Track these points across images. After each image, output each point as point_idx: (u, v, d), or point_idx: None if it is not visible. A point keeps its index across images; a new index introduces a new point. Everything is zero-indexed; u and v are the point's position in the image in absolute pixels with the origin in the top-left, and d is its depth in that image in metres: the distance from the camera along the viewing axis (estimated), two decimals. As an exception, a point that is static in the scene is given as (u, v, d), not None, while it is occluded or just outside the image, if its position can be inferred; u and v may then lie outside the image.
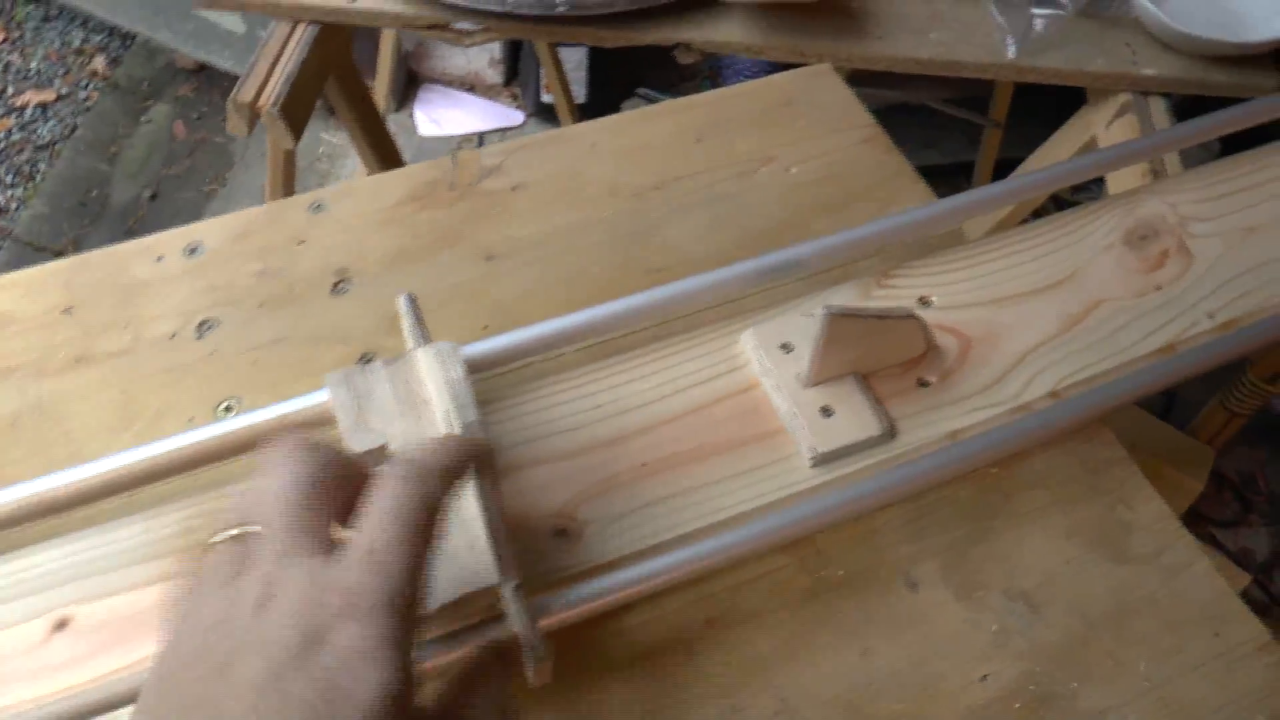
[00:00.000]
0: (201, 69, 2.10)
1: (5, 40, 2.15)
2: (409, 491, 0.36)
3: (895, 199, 0.68)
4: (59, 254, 1.90)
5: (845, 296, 0.60)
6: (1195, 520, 1.71)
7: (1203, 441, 1.10)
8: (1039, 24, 0.89)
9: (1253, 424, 1.41)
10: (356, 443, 0.48)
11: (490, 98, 2.13)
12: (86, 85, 2.14)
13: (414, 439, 0.50)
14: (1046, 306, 0.60)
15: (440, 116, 2.07)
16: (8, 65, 2.15)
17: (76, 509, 0.52)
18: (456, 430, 0.48)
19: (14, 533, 0.52)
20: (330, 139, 1.90)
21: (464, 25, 0.94)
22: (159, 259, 0.64)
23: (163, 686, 0.32)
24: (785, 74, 0.76)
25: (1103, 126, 0.92)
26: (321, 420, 0.52)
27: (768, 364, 0.57)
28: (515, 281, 0.64)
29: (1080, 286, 0.61)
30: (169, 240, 0.65)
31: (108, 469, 0.51)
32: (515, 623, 0.45)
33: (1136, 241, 0.64)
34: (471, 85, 2.14)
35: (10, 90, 2.13)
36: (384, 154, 1.14)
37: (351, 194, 0.67)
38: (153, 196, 1.96)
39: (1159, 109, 0.92)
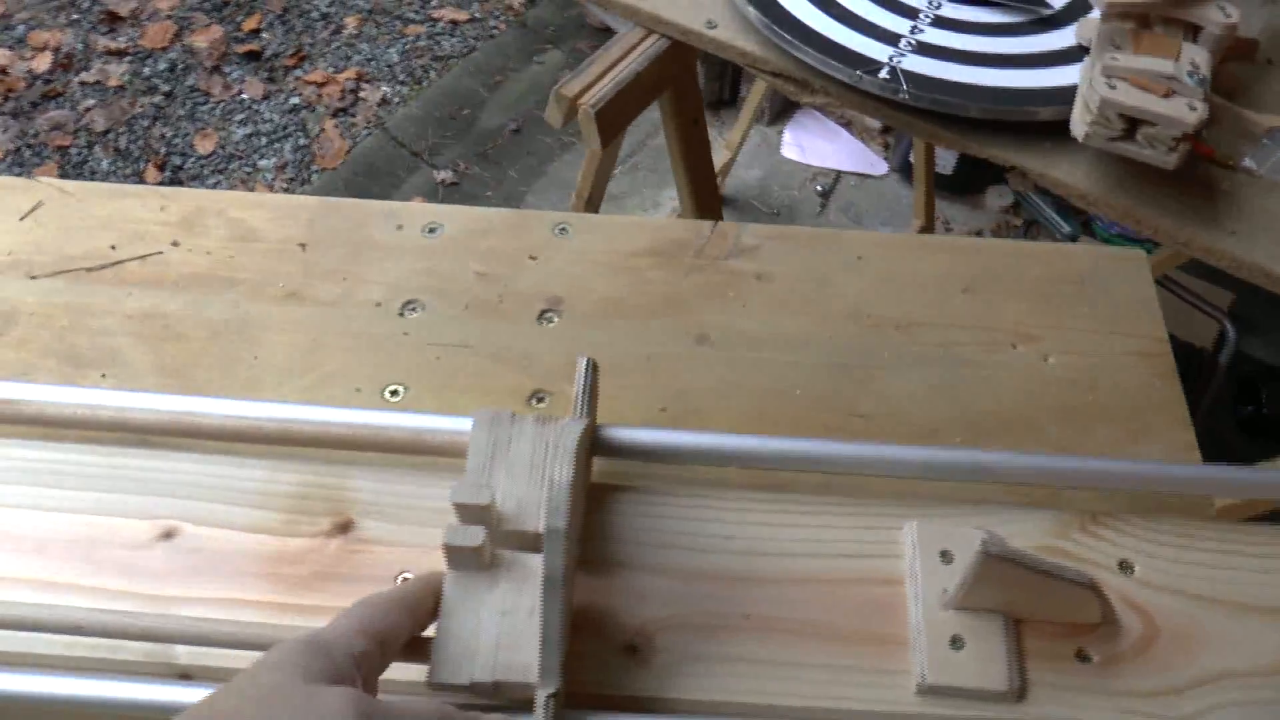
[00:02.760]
0: (606, 30, 2.19)
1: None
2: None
3: (1149, 433, 0.59)
4: (415, 155, 2.05)
5: (1037, 526, 0.53)
6: None
7: None
8: None
9: None
10: (465, 495, 0.47)
11: (863, 140, 2.09)
12: (498, 16, 2.30)
13: (529, 505, 0.49)
14: (1272, 634, 0.51)
15: (807, 144, 2.05)
16: (437, -21, 2.35)
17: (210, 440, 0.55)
18: (542, 528, 0.47)
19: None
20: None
21: (807, 84, 0.91)
22: (398, 227, 0.66)
23: None
24: (1090, 248, 0.68)
25: None
26: (455, 450, 0.52)
27: (918, 567, 0.51)
28: (715, 374, 0.61)
29: (1324, 624, 0.51)
30: (414, 212, 0.67)
31: (265, 416, 0.54)
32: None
33: None
34: (849, 121, 2.11)
35: (433, 1, 2.31)
36: (699, 182, 1.13)
37: (598, 228, 0.67)
38: (515, 130, 2.08)
39: None
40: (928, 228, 1.79)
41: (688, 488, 0.55)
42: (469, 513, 0.47)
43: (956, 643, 0.49)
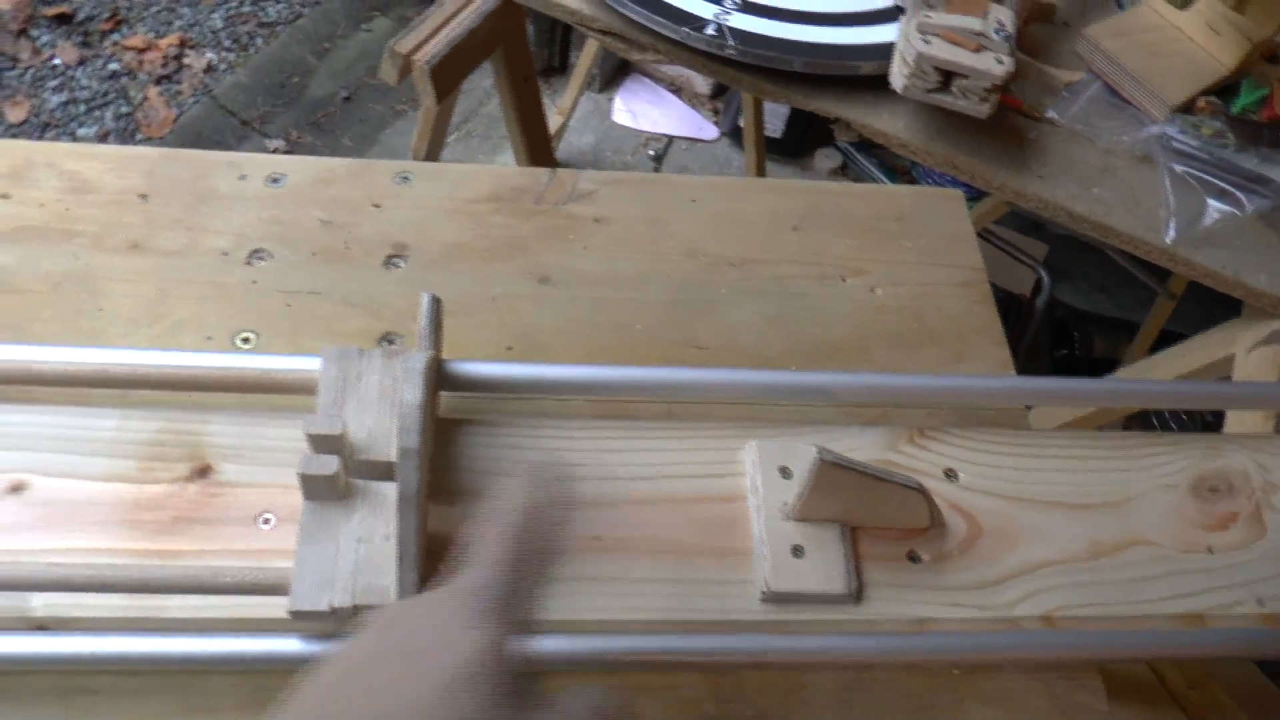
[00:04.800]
0: (434, -3, 2.17)
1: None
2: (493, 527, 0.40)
3: (970, 354, 0.64)
4: (246, 124, 1.98)
5: (870, 441, 0.57)
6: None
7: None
8: (1211, 215, 0.82)
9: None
10: (317, 425, 0.47)
11: (693, 105, 2.13)
12: (325, -20, 2.24)
13: (379, 434, 0.49)
14: (1078, 525, 0.55)
15: (638, 110, 2.08)
16: (261, -56, 2.27)
17: (63, 387, 0.53)
18: (394, 449, 0.47)
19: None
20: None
21: (636, 41, 0.93)
22: (241, 177, 0.65)
23: None
24: (909, 188, 0.72)
25: (1244, 349, 0.84)
26: (306, 387, 0.52)
27: (759, 483, 0.54)
28: (558, 312, 0.62)
29: (1123, 518, 0.56)
30: (256, 163, 0.66)
31: (109, 361, 0.52)
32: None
33: (1205, 492, 0.58)
34: (679, 88, 2.14)
35: (255, -34, 2.25)
36: (534, 141, 1.14)
37: (440, 176, 0.67)
38: (347, 99, 2.03)
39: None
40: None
41: (533, 419, 0.56)
42: (322, 443, 0.47)
43: (797, 551, 0.52)
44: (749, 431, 0.57)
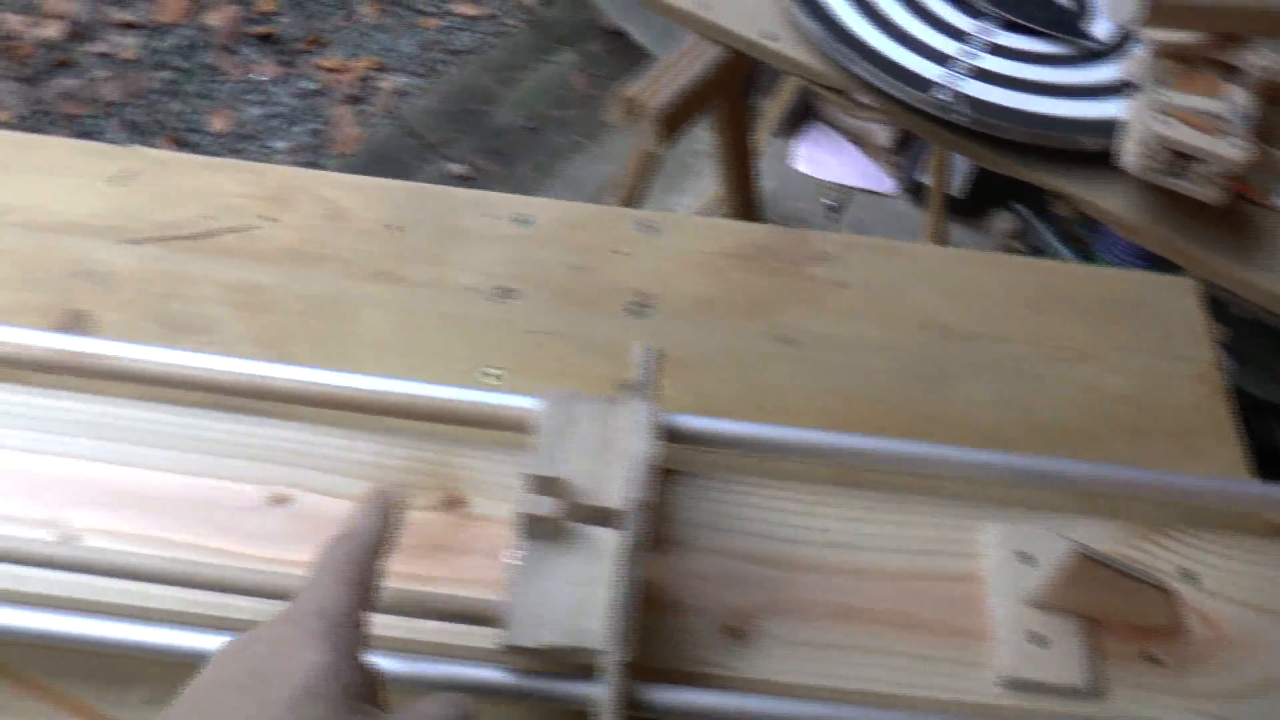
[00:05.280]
0: (619, 34, 2.21)
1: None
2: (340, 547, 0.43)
3: (1202, 450, 0.62)
4: (429, 146, 2.06)
5: (1106, 534, 0.56)
6: None
7: None
8: None
9: None
10: (537, 467, 0.49)
11: (872, 157, 2.13)
12: (513, 14, 2.31)
13: (598, 481, 0.50)
14: (1327, 643, 0.54)
15: (818, 159, 2.08)
16: (454, -25, 2.37)
17: (316, 407, 0.56)
18: (625, 506, 0.49)
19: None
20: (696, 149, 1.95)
21: (863, 99, 0.94)
22: (490, 217, 0.68)
23: None
24: (1144, 275, 0.71)
25: None
26: (527, 426, 0.54)
27: (999, 566, 0.54)
28: (792, 372, 0.63)
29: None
30: (505, 203, 0.69)
31: (363, 387, 0.56)
32: (601, 694, 0.45)
33: None
34: (859, 140, 2.14)
35: (449, -4, 2.35)
36: (742, 190, 1.16)
37: (684, 227, 0.69)
38: (530, 129, 2.10)
39: None
40: (936, 248, 1.82)
41: (765, 479, 0.57)
42: (541, 484, 0.49)
43: (1037, 640, 0.51)
44: (983, 512, 0.57)
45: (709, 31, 0.97)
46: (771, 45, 0.95)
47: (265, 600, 0.50)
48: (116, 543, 0.53)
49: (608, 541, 0.50)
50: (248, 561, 0.53)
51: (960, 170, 2.00)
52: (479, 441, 0.56)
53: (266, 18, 2.29)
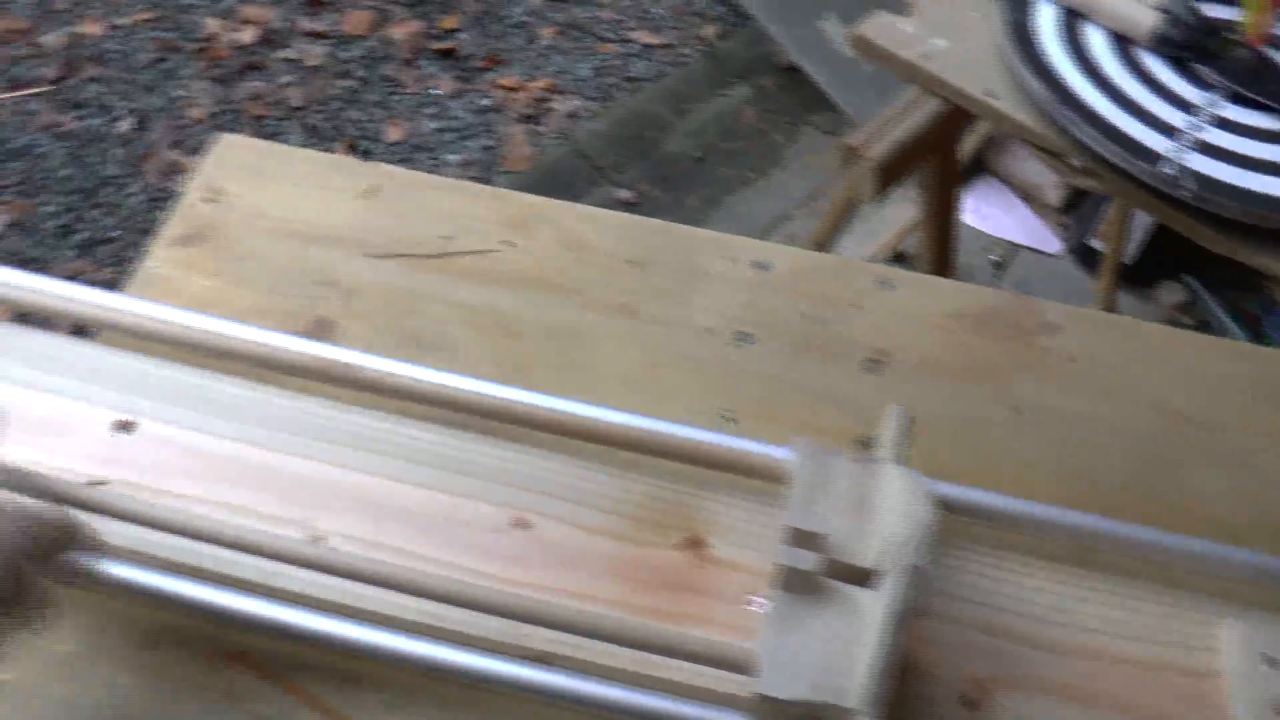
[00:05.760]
0: (793, 70, 2.22)
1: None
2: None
3: None
4: (598, 169, 2.10)
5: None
6: None
7: None
8: None
9: None
10: (803, 521, 0.49)
11: (1039, 215, 2.09)
12: (691, 44, 2.34)
13: (854, 539, 0.50)
14: None
15: (986, 213, 2.06)
16: (636, 1, 2.41)
17: (555, 435, 0.58)
18: (899, 567, 0.48)
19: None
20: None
21: (1079, 164, 0.92)
22: (730, 259, 0.69)
23: None
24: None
25: None
26: (774, 475, 0.54)
27: (1242, 667, 0.52)
28: (1023, 443, 0.62)
29: None
30: (745, 247, 0.69)
31: (608, 420, 0.57)
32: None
33: None
34: (1029, 196, 2.10)
35: (628, 22, 2.37)
36: (942, 247, 1.14)
37: (917, 286, 0.68)
38: (699, 159, 2.12)
39: None
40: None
41: (998, 549, 0.56)
42: (802, 539, 0.49)
43: (1288, 749, 0.50)
44: (1221, 607, 0.55)
45: (930, 84, 0.97)
46: (994, 104, 0.94)
47: (507, 620, 0.51)
48: (361, 548, 0.55)
49: (861, 601, 0.49)
50: (488, 580, 0.54)
51: (1134, 238, 1.95)
52: (720, 484, 0.57)
53: (448, 34, 2.36)
